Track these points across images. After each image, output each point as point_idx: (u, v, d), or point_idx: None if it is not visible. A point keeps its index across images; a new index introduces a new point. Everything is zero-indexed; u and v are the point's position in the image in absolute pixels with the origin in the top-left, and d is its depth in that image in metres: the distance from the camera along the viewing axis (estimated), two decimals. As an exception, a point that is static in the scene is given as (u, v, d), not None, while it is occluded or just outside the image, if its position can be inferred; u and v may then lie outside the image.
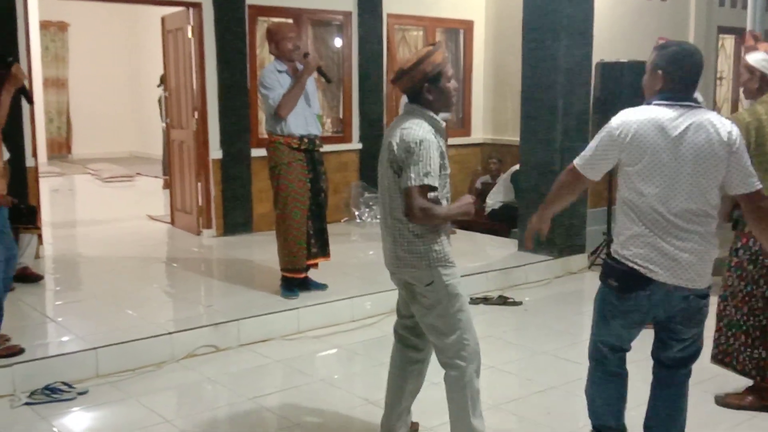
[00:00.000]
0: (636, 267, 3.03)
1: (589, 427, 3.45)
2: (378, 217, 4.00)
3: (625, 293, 3.10)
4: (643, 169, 3.00)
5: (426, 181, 3.17)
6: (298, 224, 5.52)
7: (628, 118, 3.04)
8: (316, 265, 5.82)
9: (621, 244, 3.09)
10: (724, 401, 4.17)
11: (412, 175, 3.17)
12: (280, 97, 5.37)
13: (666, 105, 3.03)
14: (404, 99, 3.42)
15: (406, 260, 3.32)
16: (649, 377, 3.37)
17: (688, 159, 2.96)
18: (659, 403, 3.34)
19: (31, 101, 3.90)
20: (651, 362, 3.36)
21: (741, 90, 4.31)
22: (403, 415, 3.65)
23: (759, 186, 3.05)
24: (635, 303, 3.09)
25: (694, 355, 3.27)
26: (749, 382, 4.16)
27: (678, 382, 3.30)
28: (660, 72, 3.08)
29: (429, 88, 3.28)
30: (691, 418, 3.43)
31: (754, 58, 3.99)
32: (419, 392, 3.68)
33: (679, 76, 3.06)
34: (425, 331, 3.45)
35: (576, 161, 3.18)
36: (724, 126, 2.99)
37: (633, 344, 3.29)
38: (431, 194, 3.20)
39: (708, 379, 4.26)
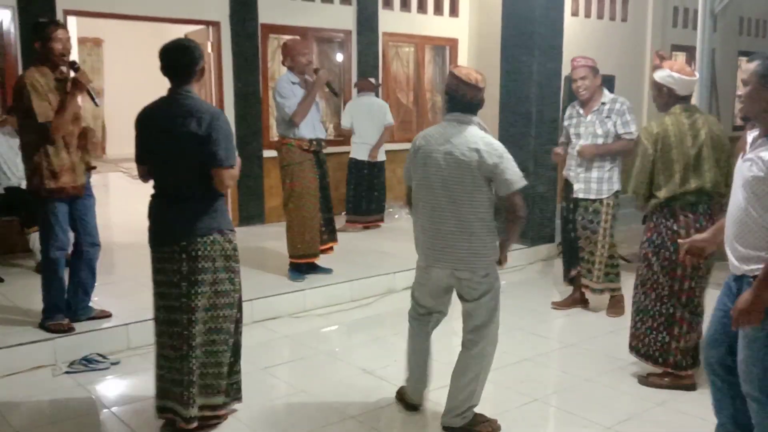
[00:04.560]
0: None
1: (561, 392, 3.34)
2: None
3: None
4: None
5: (522, 184, 3.28)
6: (311, 216, 5.52)
7: None
8: (329, 249, 5.83)
9: None
10: (647, 381, 4.01)
11: (515, 179, 3.26)
12: (295, 106, 5.37)
13: None
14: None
15: (479, 254, 3.38)
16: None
17: None
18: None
19: (96, 102, 3.99)
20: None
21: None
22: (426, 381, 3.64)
23: None
24: None
25: None
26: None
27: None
28: None
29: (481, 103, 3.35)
30: (621, 397, 3.51)
31: (659, 75, 3.82)
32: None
33: None
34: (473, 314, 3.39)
35: None
36: None
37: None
38: None
39: (633, 363, 4.19)
